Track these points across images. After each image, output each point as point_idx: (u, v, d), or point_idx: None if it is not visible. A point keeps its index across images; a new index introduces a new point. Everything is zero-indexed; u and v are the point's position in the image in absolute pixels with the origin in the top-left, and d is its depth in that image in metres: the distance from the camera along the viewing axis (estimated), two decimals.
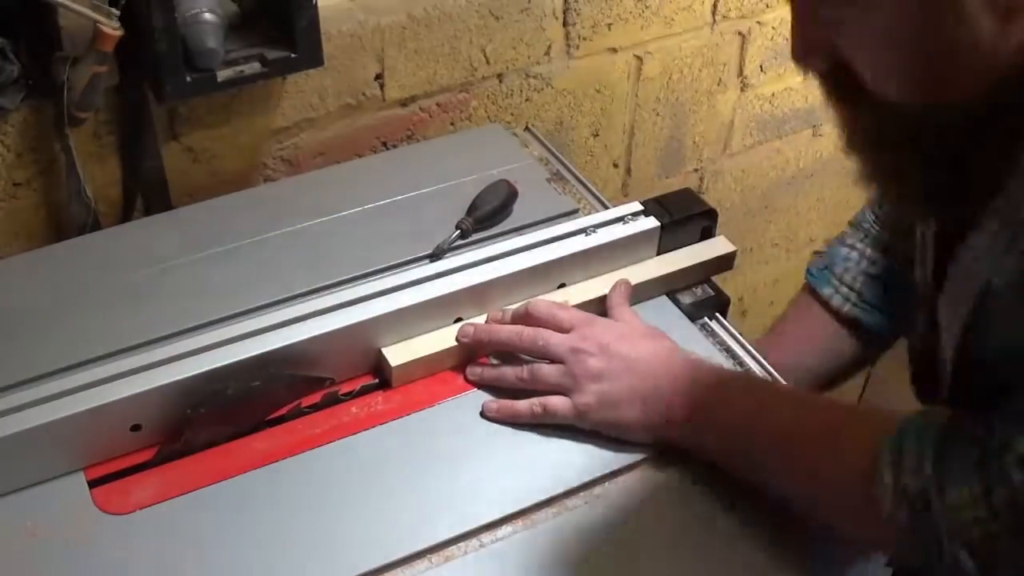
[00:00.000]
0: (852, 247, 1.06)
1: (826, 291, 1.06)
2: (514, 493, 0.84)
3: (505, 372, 0.92)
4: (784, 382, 0.96)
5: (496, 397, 0.92)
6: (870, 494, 0.72)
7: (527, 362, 0.92)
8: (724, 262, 1.06)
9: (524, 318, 0.94)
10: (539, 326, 0.93)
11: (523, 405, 0.89)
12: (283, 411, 0.90)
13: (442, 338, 0.94)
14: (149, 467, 0.85)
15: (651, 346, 0.90)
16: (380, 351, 0.93)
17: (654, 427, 0.87)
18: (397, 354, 0.93)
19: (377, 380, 0.93)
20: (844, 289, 1.05)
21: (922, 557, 0.71)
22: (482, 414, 0.90)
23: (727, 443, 0.85)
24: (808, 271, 1.10)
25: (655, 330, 0.94)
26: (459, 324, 0.95)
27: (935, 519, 0.69)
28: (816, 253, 1.11)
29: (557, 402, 0.88)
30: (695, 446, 0.86)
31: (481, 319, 0.96)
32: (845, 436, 0.79)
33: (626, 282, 1.00)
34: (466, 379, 0.94)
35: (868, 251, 1.06)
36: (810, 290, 1.08)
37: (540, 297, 0.98)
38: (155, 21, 0.97)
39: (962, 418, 0.72)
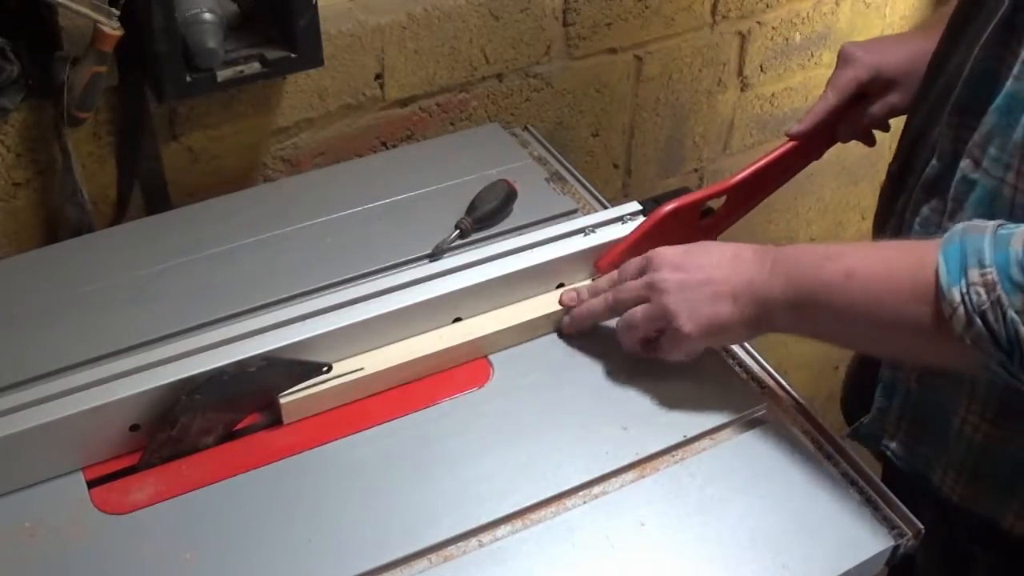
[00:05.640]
0: None
1: None
2: (514, 493, 0.84)
3: (593, 304, 0.95)
4: None
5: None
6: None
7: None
8: None
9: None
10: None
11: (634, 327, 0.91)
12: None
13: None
14: (142, 457, 0.85)
15: (719, 250, 0.90)
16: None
17: (749, 320, 0.86)
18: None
19: None
20: None
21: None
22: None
23: (821, 309, 0.82)
24: None
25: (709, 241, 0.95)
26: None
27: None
28: None
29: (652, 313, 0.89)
30: (792, 323, 0.85)
31: (483, 316, 0.97)
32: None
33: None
34: (561, 332, 0.98)
35: None
36: None
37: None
38: (155, 21, 0.97)
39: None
